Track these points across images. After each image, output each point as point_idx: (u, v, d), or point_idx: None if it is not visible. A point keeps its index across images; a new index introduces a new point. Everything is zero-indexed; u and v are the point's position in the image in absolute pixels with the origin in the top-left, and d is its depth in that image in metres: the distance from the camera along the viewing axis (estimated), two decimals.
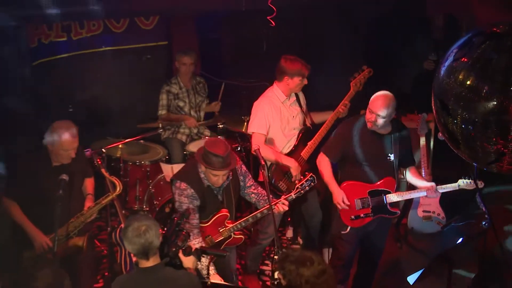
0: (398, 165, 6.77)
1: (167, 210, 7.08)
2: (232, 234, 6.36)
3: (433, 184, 6.73)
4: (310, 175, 6.55)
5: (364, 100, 7.00)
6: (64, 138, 6.35)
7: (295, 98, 7.34)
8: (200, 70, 8.60)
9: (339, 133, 6.78)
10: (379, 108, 6.45)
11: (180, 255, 5.22)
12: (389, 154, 6.71)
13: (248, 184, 6.57)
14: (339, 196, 6.63)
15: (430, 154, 8.36)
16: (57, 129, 6.38)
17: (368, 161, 6.70)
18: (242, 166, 6.56)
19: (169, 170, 7.72)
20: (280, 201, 6.38)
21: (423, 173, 7.94)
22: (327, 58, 9.26)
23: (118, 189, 6.63)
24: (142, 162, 8.15)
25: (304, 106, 7.44)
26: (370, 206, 6.72)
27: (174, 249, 5.20)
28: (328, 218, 7.31)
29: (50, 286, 4.94)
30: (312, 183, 6.56)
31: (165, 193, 7.70)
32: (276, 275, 4.76)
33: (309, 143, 7.25)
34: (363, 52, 9.11)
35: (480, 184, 6.69)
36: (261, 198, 6.54)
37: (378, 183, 6.76)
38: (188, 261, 5.24)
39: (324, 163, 6.80)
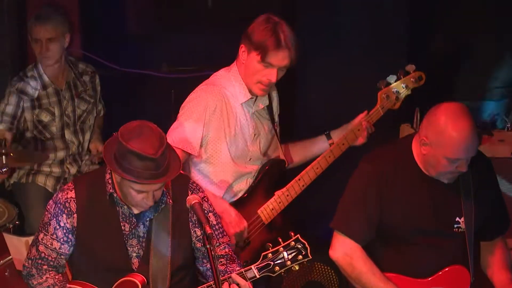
0: (475, 238, 3.52)
1: None
2: None
3: None
4: (295, 237, 3.06)
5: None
6: None
7: (268, 102, 3.56)
8: (81, 49, 4.46)
9: (361, 187, 3.48)
10: (471, 150, 3.24)
11: None
12: (457, 218, 3.47)
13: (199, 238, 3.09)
14: None
15: None
16: None
17: (418, 234, 3.51)
18: (205, 200, 3.08)
19: (22, 247, 3.78)
20: (229, 276, 2.95)
21: None
22: (334, 41, 4.96)
23: None
24: None
25: (276, 117, 3.67)
26: None
27: None
28: None
29: None
30: (300, 255, 3.05)
31: None
32: None
33: (276, 194, 3.49)
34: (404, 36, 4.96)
35: None
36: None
37: (436, 276, 3.50)
38: None
39: (351, 255, 3.45)
